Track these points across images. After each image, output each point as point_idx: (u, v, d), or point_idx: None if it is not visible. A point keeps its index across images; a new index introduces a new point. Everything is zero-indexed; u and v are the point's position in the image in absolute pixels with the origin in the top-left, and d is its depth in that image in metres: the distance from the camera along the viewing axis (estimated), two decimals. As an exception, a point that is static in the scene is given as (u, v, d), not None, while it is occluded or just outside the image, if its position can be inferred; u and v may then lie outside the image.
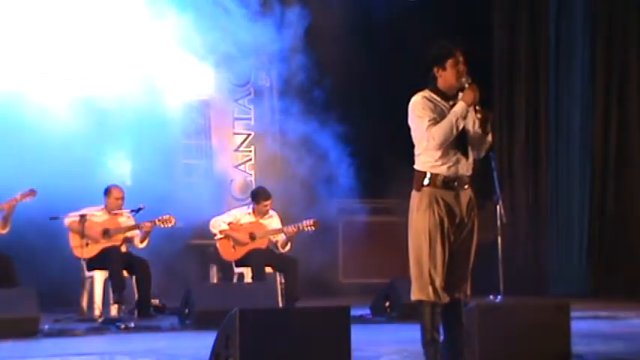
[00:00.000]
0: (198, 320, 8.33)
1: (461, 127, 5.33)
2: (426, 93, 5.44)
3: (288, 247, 10.03)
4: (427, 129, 5.31)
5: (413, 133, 5.47)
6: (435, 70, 5.43)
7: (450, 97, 5.42)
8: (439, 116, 5.34)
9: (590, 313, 9.48)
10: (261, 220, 10.06)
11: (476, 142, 5.47)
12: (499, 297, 9.21)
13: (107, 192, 9.81)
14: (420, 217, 5.36)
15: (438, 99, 5.42)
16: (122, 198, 9.78)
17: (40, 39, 11.05)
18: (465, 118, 5.33)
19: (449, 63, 5.39)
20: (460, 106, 5.33)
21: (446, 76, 5.41)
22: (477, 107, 5.37)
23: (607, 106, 12.57)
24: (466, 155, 5.44)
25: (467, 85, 5.36)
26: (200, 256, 11.34)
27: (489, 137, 5.48)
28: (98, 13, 11.34)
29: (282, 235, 9.97)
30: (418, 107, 5.39)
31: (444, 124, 5.30)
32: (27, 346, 7.42)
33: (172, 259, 11.11)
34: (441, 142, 5.30)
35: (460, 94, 5.37)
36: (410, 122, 5.46)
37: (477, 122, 5.45)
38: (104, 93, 11.44)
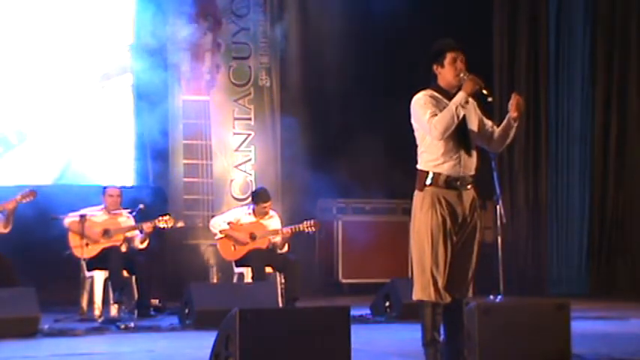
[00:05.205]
0: (198, 320, 8.32)
1: (461, 116, 5.34)
2: (428, 91, 5.47)
3: (285, 249, 10.03)
4: (429, 120, 5.32)
5: (416, 133, 5.49)
6: (435, 68, 5.48)
7: (451, 95, 5.42)
8: (442, 111, 5.36)
9: (590, 313, 9.47)
10: (261, 221, 10.05)
11: (500, 134, 5.48)
12: (499, 297, 9.18)
13: (104, 192, 9.81)
14: (423, 217, 5.36)
15: (440, 97, 5.43)
16: (119, 195, 9.77)
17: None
18: (464, 106, 5.33)
19: (447, 60, 5.43)
20: (460, 95, 5.35)
21: (445, 73, 5.44)
22: (485, 92, 5.36)
23: (607, 106, 12.56)
24: (469, 154, 5.43)
25: (466, 78, 5.38)
26: (200, 256, 11.34)
27: (513, 130, 5.46)
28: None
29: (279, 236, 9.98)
30: (420, 103, 5.42)
31: (445, 113, 5.32)
32: (27, 346, 7.42)
33: (172, 259, 11.11)
34: (442, 131, 5.30)
35: (461, 92, 5.41)
36: (413, 120, 5.48)
37: (482, 119, 5.47)
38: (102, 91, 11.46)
